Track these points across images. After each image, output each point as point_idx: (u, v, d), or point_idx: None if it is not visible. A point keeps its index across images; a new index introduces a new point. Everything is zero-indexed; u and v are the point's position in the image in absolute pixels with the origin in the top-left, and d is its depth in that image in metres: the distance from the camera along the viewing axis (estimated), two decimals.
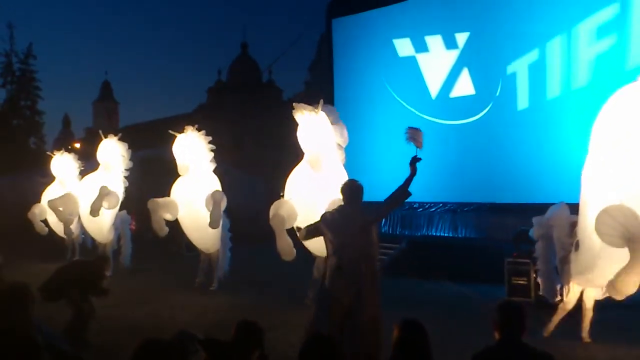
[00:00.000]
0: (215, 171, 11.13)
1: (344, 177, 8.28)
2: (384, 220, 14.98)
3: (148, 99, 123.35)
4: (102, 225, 13.25)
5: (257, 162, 32.40)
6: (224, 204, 10.54)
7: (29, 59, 35.82)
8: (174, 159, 10.94)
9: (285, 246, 8.80)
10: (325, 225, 5.70)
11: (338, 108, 17.88)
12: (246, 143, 35.94)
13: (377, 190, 6.17)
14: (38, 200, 15.91)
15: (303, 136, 8.71)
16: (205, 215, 10.44)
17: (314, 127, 8.58)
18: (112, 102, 65.65)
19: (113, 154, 13.30)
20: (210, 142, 11.12)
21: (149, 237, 14.59)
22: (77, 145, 40.94)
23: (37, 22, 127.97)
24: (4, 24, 48.07)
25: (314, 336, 3.59)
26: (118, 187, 13.16)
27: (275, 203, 8.95)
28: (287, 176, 9.20)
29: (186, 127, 11.10)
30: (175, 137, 11.07)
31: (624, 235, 5.84)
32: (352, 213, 5.61)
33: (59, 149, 16.18)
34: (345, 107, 18.05)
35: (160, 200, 11.03)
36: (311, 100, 8.69)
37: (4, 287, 4.01)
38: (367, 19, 17.42)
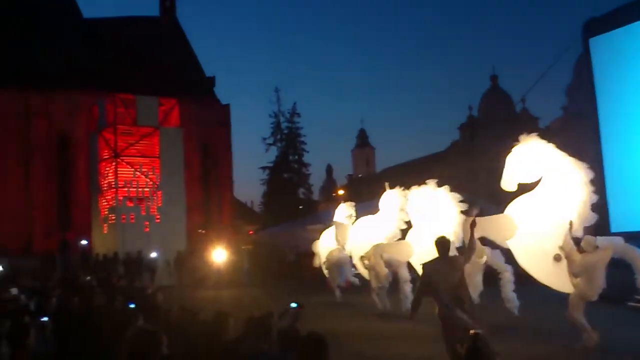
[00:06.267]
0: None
1: None
2: None
3: (401, 142, 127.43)
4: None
5: (516, 195, 30.98)
6: None
7: (294, 117, 39.61)
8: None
9: None
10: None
11: (603, 128, 16.69)
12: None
13: None
14: (309, 245, 16.94)
15: None
16: None
17: None
18: (368, 148, 69.34)
19: (389, 202, 14.29)
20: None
21: None
22: (341, 192, 43.82)
23: (299, 83, 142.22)
24: (272, 88, 54.21)
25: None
26: (383, 230, 14.02)
27: None
28: None
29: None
30: None
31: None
32: (454, 260, 6.99)
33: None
34: (611, 127, 16.53)
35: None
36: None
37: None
38: (628, 33, 15.85)
